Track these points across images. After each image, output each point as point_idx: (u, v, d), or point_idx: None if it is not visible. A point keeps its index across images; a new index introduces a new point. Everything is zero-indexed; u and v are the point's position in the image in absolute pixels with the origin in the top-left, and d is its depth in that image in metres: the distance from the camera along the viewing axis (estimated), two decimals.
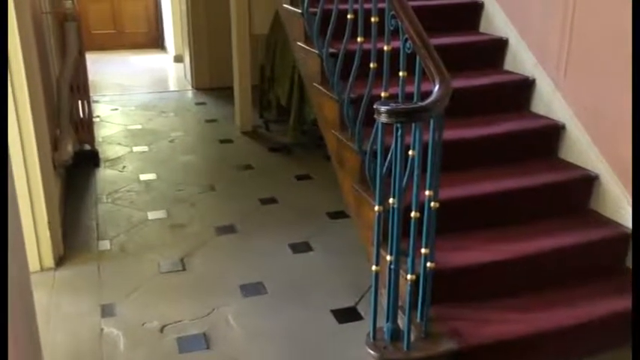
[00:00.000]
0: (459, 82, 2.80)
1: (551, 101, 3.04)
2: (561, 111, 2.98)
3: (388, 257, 2.17)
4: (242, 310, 3.04)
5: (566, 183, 2.80)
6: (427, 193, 2.10)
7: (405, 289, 2.19)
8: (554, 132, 2.99)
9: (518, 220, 2.68)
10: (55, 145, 3.96)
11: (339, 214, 4.05)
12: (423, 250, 2.14)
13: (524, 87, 3.18)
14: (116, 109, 6.51)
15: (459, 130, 2.83)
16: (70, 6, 4.58)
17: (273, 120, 5.92)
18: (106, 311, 3.02)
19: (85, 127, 4.81)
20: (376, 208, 2.18)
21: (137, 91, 7.25)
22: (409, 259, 2.15)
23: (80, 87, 4.66)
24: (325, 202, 4.22)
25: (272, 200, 4.32)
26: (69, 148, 4.10)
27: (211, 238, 3.79)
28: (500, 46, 3.36)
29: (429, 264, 2.16)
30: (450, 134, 2.47)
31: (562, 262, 2.56)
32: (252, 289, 3.22)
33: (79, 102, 4.73)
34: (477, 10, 3.54)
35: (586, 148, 2.84)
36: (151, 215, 4.07)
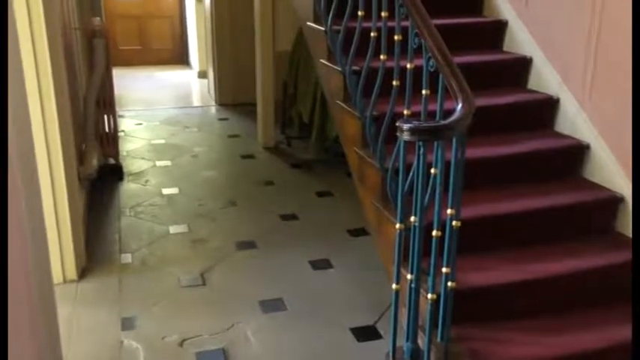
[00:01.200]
0: (483, 101, 2.80)
1: (575, 121, 3.02)
2: (586, 131, 2.95)
3: (409, 276, 2.15)
4: (261, 326, 3.04)
5: (590, 204, 2.76)
6: (449, 211, 2.09)
7: (425, 309, 2.17)
8: (578, 152, 2.96)
9: (540, 241, 2.65)
10: (81, 158, 4.02)
11: (359, 232, 4.04)
12: (444, 269, 2.13)
13: (549, 106, 3.15)
14: (140, 124, 6.59)
15: (481, 148, 2.81)
16: (98, 23, 4.68)
17: (295, 136, 5.95)
18: (127, 324, 3.04)
19: (110, 141, 4.88)
20: (397, 226, 2.17)
21: (161, 106, 7.35)
22: (430, 278, 2.13)
23: (106, 102, 4.73)
24: (346, 219, 4.22)
25: (293, 216, 4.33)
26: (94, 162, 4.16)
27: (232, 253, 3.80)
28: (524, 64, 3.34)
29: (450, 283, 2.14)
30: (472, 152, 2.46)
31: (585, 284, 2.52)
32: (272, 306, 3.22)
33: (105, 116, 4.81)
34: (501, 28, 3.53)
35: (611, 169, 2.80)
36: (173, 229, 4.10)
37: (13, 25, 1.91)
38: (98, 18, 4.87)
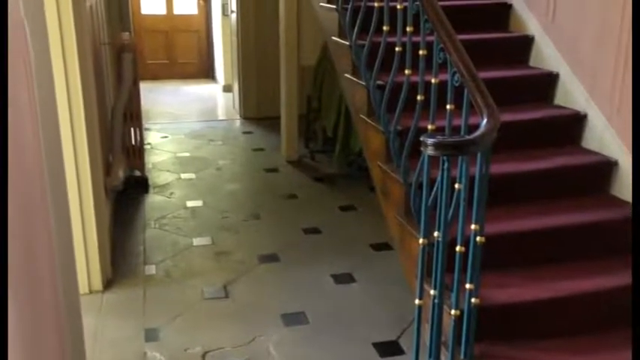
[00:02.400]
0: (508, 116, 2.78)
1: (603, 137, 2.98)
2: (614, 147, 2.90)
3: (432, 291, 2.13)
4: (283, 340, 3.03)
5: (618, 221, 2.71)
6: (473, 227, 2.08)
7: (448, 325, 2.15)
8: (606, 168, 2.91)
9: (567, 258, 2.61)
10: (108, 170, 4.08)
11: (382, 246, 4.02)
12: (467, 286, 2.11)
13: (576, 122, 3.12)
14: (166, 137, 6.67)
15: (507, 164, 2.79)
16: (127, 37, 4.76)
17: (318, 150, 5.96)
18: (150, 336, 3.06)
19: (136, 153, 4.95)
20: (421, 241, 2.16)
21: (187, 120, 7.43)
22: (453, 294, 2.11)
23: (133, 115, 4.81)
24: (369, 233, 4.21)
25: (316, 230, 4.33)
26: (120, 174, 4.22)
27: (254, 266, 3.81)
28: (550, 80, 3.31)
29: (473, 300, 2.12)
30: (497, 168, 2.44)
31: (613, 303, 2.47)
32: (294, 319, 3.22)
33: (132, 129, 4.88)
34: (527, 44, 3.51)
35: None
36: (197, 242, 4.13)
37: (46, 41, 1.96)
38: (127, 33, 4.95)
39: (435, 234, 2.09)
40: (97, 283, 3.42)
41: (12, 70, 1.48)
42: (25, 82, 1.55)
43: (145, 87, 5.76)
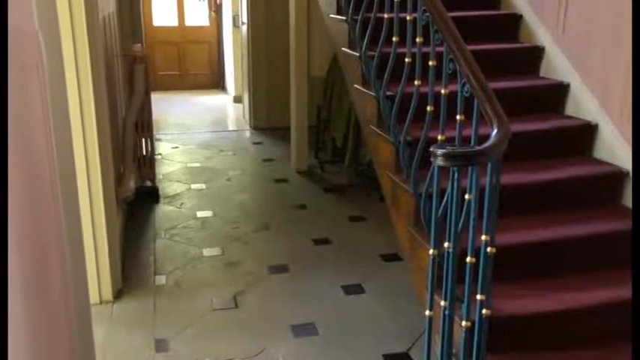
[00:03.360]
0: (519, 126, 2.77)
1: (614, 147, 2.96)
2: (625, 157, 2.89)
3: (442, 302, 2.12)
4: (292, 351, 3.03)
5: (629, 232, 2.69)
6: (483, 237, 2.07)
7: (459, 336, 2.14)
8: (617, 179, 2.90)
9: (579, 269, 2.59)
10: (119, 180, 4.11)
11: (392, 257, 4.01)
12: (478, 297, 2.09)
13: (587, 132, 3.11)
14: (177, 147, 6.71)
15: (517, 174, 2.78)
16: (139, 49, 4.81)
17: (328, 161, 5.97)
18: (160, 346, 3.06)
19: (147, 164, 4.98)
20: (431, 251, 2.15)
21: (198, 130, 7.47)
22: (464, 305, 2.10)
23: (144, 125, 4.84)
24: (379, 243, 4.20)
25: (325, 241, 4.33)
26: (131, 184, 4.24)
27: (264, 276, 3.81)
28: (561, 90, 3.31)
29: (484, 311, 2.10)
30: (508, 178, 2.43)
31: (623, 315, 2.44)
32: (304, 330, 3.21)
33: (143, 140, 4.91)
34: (537, 54, 3.51)
35: None
36: (206, 252, 4.13)
37: (59, 53, 1.98)
38: (139, 45, 5.00)
39: (445, 245, 2.09)
40: (108, 293, 3.43)
41: (26, 81, 1.50)
42: (38, 94, 1.57)
43: (156, 98, 5.80)
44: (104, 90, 3.39)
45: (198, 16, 9.79)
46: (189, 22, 9.75)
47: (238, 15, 8.06)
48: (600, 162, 3.03)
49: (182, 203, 5.03)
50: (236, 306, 3.46)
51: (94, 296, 3.28)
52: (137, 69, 4.63)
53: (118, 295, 3.51)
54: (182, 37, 9.72)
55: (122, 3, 5.34)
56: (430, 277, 2.17)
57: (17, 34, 1.49)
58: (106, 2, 3.98)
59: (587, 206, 2.84)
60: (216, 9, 9.55)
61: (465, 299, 2.09)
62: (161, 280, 3.75)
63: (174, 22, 9.67)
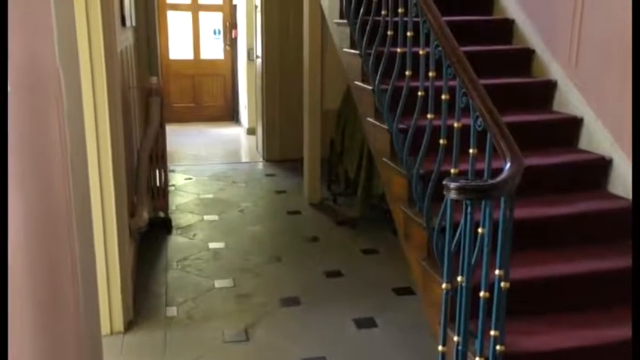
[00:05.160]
0: (532, 160, 2.77)
1: (629, 181, 2.94)
2: None
3: (455, 338, 2.10)
4: None
5: None
6: (497, 272, 2.05)
7: None
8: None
9: (594, 305, 2.55)
10: (132, 211, 4.13)
11: (405, 290, 3.98)
12: (492, 332, 2.07)
13: (601, 166, 3.09)
14: (190, 179, 6.75)
15: (531, 208, 2.77)
16: (155, 82, 4.88)
17: (340, 193, 5.97)
18: None
19: (160, 195, 5.01)
20: (444, 285, 2.13)
21: (211, 162, 7.53)
22: (477, 341, 2.07)
23: (159, 157, 4.88)
24: (391, 277, 4.17)
25: (337, 273, 4.30)
26: (144, 215, 4.26)
27: (276, 309, 3.79)
28: (574, 124, 3.31)
29: (498, 347, 2.07)
30: (521, 212, 2.42)
31: None
32: None
33: (157, 171, 4.95)
34: (549, 88, 3.52)
35: None
36: (218, 283, 4.12)
37: (78, 87, 2.02)
38: (155, 77, 5.08)
39: (459, 279, 2.07)
40: (119, 324, 3.42)
41: (46, 115, 1.53)
42: (57, 127, 1.60)
43: (170, 129, 5.86)
44: (120, 122, 3.43)
45: (213, 49, 9.95)
46: (204, 55, 9.91)
47: (253, 49, 8.18)
48: (615, 196, 3.00)
49: (194, 234, 5.04)
50: (247, 338, 3.43)
51: (105, 327, 3.27)
52: (153, 101, 4.69)
53: (129, 326, 3.50)
54: (197, 69, 9.86)
55: (140, 36, 5.45)
56: (443, 312, 2.15)
57: (39, 71, 1.52)
58: (125, 36, 4.07)
59: (603, 241, 2.81)
60: (231, 43, 9.71)
61: (479, 335, 2.06)
62: (172, 311, 3.74)
63: (189, 55, 9.83)
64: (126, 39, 4.18)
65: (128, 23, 4.19)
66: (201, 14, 9.77)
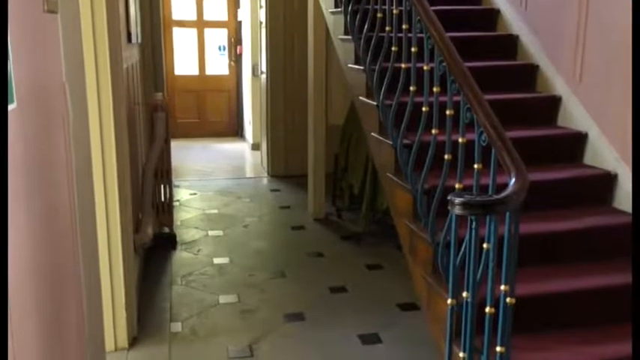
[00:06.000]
0: (537, 176, 2.77)
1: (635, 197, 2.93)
2: None
3: (461, 354, 2.08)
4: None
5: None
6: (503, 287, 2.04)
7: None
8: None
9: (601, 321, 2.53)
10: (137, 227, 4.14)
11: (409, 306, 3.95)
12: (498, 349, 2.05)
13: (606, 182, 3.09)
14: (195, 194, 6.76)
15: (536, 224, 2.76)
16: (160, 98, 4.91)
17: (345, 208, 5.97)
18: None
19: (165, 210, 5.01)
20: (449, 301, 2.12)
21: (216, 177, 7.54)
22: (483, 357, 2.06)
23: (164, 172, 4.90)
24: (396, 292, 4.15)
25: (342, 289, 4.29)
26: (149, 231, 4.26)
27: (280, 324, 3.77)
28: (579, 139, 3.31)
29: None
30: (527, 228, 2.41)
31: None
32: None
33: (162, 186, 4.96)
34: (554, 103, 3.53)
35: None
36: (222, 299, 4.11)
37: (84, 103, 2.04)
38: (160, 93, 5.11)
39: (464, 294, 2.06)
40: (123, 340, 3.41)
41: (52, 134, 1.54)
42: (63, 146, 1.61)
43: (175, 145, 5.88)
44: (125, 138, 3.45)
45: (218, 65, 10.02)
46: (209, 71, 9.98)
47: (258, 64, 8.23)
48: (621, 212, 2.99)
49: (199, 250, 5.04)
50: (251, 354, 3.41)
51: (109, 343, 3.26)
52: (158, 117, 4.71)
53: (133, 342, 3.48)
54: (202, 85, 9.92)
55: (146, 53, 5.49)
56: (448, 328, 2.14)
57: (45, 86, 1.54)
58: (131, 52, 4.10)
59: (608, 258, 2.80)
60: (236, 59, 9.77)
61: (485, 351, 2.04)
62: (177, 327, 3.72)
63: (195, 71, 9.90)
64: (132, 55, 4.21)
65: (134, 40, 4.22)
66: (207, 31, 9.85)
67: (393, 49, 2.99)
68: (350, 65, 3.68)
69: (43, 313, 1.50)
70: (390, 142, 2.99)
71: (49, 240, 1.55)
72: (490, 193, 2.16)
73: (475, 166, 2.27)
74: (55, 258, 1.57)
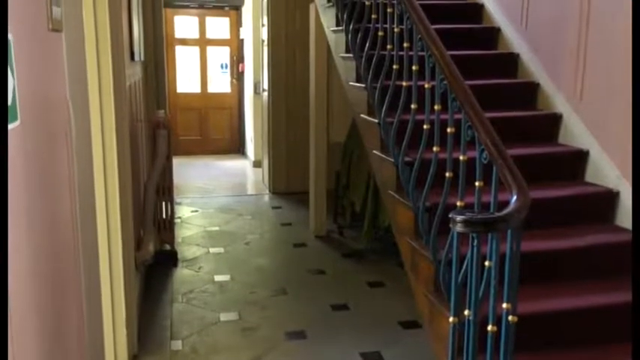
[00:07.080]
0: (538, 193, 2.76)
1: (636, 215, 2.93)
2: None
3: None
4: None
5: None
6: (505, 305, 2.03)
7: None
8: None
9: (605, 340, 2.51)
10: (138, 244, 4.13)
11: (411, 324, 3.93)
12: None
13: (608, 199, 3.09)
14: (196, 211, 6.76)
15: (538, 241, 2.75)
16: (162, 115, 4.93)
17: (346, 225, 5.96)
18: None
19: (166, 227, 5.01)
20: (451, 319, 2.11)
21: (217, 194, 7.54)
22: None
23: (165, 189, 4.90)
24: (398, 310, 4.13)
25: (344, 307, 4.27)
26: (150, 248, 4.26)
27: (281, 343, 3.75)
28: (580, 157, 3.31)
29: None
30: (528, 245, 2.41)
31: None
32: None
33: (163, 203, 4.96)
34: (555, 121, 3.54)
35: None
36: (223, 317, 4.09)
37: (87, 119, 2.05)
38: (162, 111, 5.13)
39: (466, 312, 2.05)
40: (123, 358, 3.38)
41: (54, 150, 1.55)
42: (66, 161, 1.61)
43: (177, 162, 5.89)
44: (128, 155, 3.46)
45: (220, 83, 10.08)
46: (211, 88, 10.03)
47: (259, 82, 8.28)
48: (623, 229, 2.99)
49: (200, 267, 5.02)
50: None
51: None
52: (160, 134, 4.73)
53: None
54: (204, 103, 9.97)
55: (148, 70, 5.53)
56: (450, 346, 2.12)
57: (49, 102, 1.55)
58: (133, 70, 4.12)
59: (610, 276, 2.78)
60: (238, 76, 9.83)
61: None
62: (177, 345, 3.70)
63: (197, 88, 9.95)
64: (135, 73, 4.24)
65: (137, 57, 4.25)
66: (209, 48, 9.92)
67: (395, 67, 3.01)
68: (351, 83, 3.70)
69: (43, 329, 1.50)
70: (392, 160, 2.99)
71: (50, 255, 1.55)
72: (492, 210, 2.16)
73: (476, 183, 2.27)
74: (56, 275, 1.57)
